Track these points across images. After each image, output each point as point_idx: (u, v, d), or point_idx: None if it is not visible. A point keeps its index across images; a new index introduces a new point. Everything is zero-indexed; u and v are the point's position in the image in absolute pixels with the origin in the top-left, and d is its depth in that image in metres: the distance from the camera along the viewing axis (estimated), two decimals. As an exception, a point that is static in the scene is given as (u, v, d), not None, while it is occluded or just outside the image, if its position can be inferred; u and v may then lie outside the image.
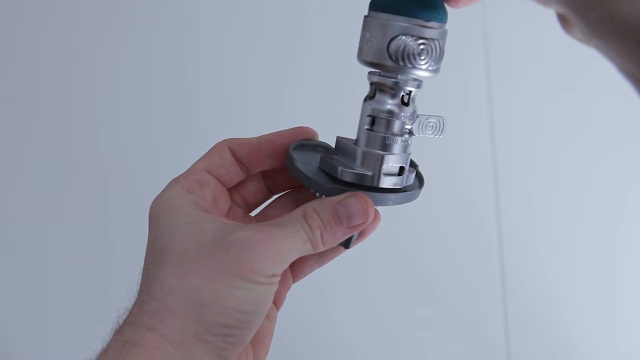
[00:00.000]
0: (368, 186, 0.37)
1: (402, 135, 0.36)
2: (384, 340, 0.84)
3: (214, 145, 0.40)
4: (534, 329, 0.85)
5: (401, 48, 0.34)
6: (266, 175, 0.42)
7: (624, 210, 0.90)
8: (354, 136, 0.38)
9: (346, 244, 0.39)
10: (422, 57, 0.34)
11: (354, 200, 0.35)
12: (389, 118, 0.36)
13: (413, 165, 0.40)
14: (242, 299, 0.32)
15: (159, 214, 0.36)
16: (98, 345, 0.33)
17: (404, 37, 0.34)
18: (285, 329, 0.81)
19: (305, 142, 0.40)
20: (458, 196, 0.90)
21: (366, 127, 0.37)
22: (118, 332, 0.33)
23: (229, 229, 0.34)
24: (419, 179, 0.40)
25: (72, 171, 0.86)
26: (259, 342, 0.38)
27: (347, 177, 0.36)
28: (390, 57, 0.34)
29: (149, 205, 0.37)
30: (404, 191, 0.38)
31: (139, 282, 0.35)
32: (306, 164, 0.38)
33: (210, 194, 0.38)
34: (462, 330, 0.85)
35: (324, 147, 0.41)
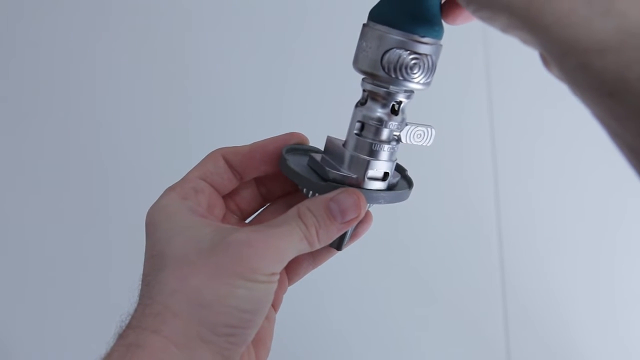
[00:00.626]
0: (364, 183, 0.38)
1: (389, 142, 0.38)
2: (384, 340, 0.84)
3: (208, 155, 0.40)
4: (534, 329, 0.85)
5: (394, 61, 0.35)
6: (260, 183, 0.43)
7: (624, 211, 0.90)
8: (344, 136, 0.39)
9: (338, 246, 0.40)
10: (414, 71, 0.35)
11: (346, 196, 0.36)
12: (378, 125, 0.37)
13: (402, 169, 0.42)
14: (243, 298, 0.33)
15: (156, 221, 0.36)
16: (98, 346, 0.33)
17: (398, 51, 0.35)
18: (285, 330, 0.81)
19: (297, 146, 0.41)
20: (458, 197, 0.90)
21: (355, 132, 0.38)
22: (121, 336, 0.33)
23: (227, 231, 0.35)
24: (408, 181, 0.42)
25: (72, 172, 0.86)
26: (260, 342, 0.39)
27: (333, 178, 0.38)
28: (383, 68, 0.35)
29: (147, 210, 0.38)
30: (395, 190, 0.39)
31: (139, 288, 0.35)
32: (298, 166, 0.39)
33: (205, 200, 0.39)
34: (462, 330, 0.85)
35: (315, 152, 0.42)
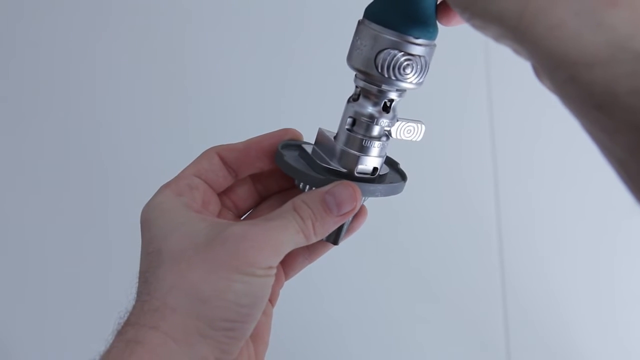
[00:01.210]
0: (357, 177, 0.38)
1: (379, 138, 0.38)
2: (384, 340, 0.84)
3: (203, 153, 0.41)
4: (534, 329, 0.85)
5: (387, 61, 0.35)
6: (256, 179, 0.43)
7: (624, 211, 0.90)
8: (336, 129, 0.40)
9: (335, 240, 0.40)
10: (407, 72, 0.36)
11: (342, 188, 0.36)
12: (369, 122, 0.38)
13: (394, 163, 0.43)
14: (240, 293, 0.33)
15: (151, 219, 0.36)
16: (98, 345, 0.33)
17: (392, 51, 0.35)
18: (285, 330, 0.81)
19: (293, 142, 0.41)
20: (458, 196, 0.90)
21: (347, 127, 0.39)
22: (120, 333, 0.33)
23: (222, 226, 0.35)
24: (401, 174, 0.42)
25: (70, 171, 0.86)
26: (258, 337, 0.39)
27: (325, 171, 0.38)
28: (376, 67, 0.36)
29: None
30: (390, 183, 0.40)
31: (137, 285, 0.35)
32: (294, 160, 0.39)
33: (200, 197, 0.39)
34: (462, 330, 0.85)
35: (308, 145, 0.42)
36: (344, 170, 0.38)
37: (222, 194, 0.41)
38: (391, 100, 0.38)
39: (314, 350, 0.83)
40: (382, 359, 0.84)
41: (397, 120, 0.38)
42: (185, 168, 0.40)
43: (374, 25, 0.35)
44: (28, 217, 0.84)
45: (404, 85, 0.36)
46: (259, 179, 0.43)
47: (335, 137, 0.39)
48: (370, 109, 0.38)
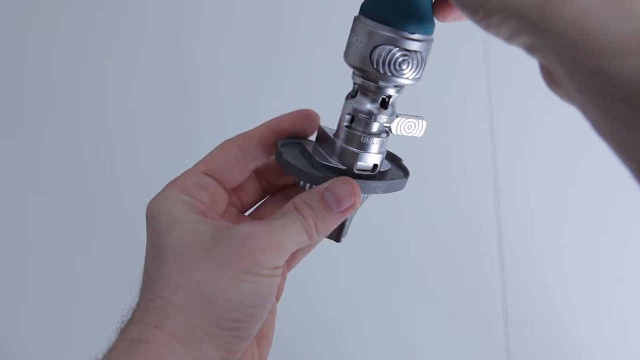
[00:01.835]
0: (357, 174, 0.38)
1: (379, 135, 0.38)
2: (384, 339, 0.84)
3: (218, 146, 0.40)
4: (534, 329, 0.85)
5: (383, 57, 0.35)
6: (260, 175, 0.42)
7: (624, 210, 0.90)
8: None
9: (337, 237, 0.40)
10: (404, 67, 0.35)
11: (340, 184, 0.36)
12: (368, 119, 0.38)
13: (396, 159, 0.43)
14: (247, 292, 0.33)
15: (155, 214, 0.36)
16: (101, 344, 0.33)
17: (387, 47, 0.35)
18: (286, 329, 0.81)
19: (292, 140, 0.41)
20: (458, 196, 0.90)
21: (345, 124, 0.38)
22: (124, 331, 0.33)
23: (227, 227, 0.35)
24: (404, 170, 0.42)
25: (73, 170, 0.86)
26: (263, 336, 0.39)
27: (324, 169, 0.38)
28: (372, 64, 0.35)
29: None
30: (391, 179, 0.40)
31: (141, 281, 0.35)
32: (294, 157, 0.39)
33: (207, 197, 0.38)
34: (462, 330, 0.85)
35: (308, 142, 0.42)
36: (344, 167, 0.38)
37: (230, 189, 0.41)
38: (389, 97, 0.37)
39: (314, 350, 0.83)
40: (382, 359, 0.84)
41: (397, 117, 0.38)
42: (198, 163, 0.39)
43: (369, 22, 0.35)
44: (29, 215, 0.84)
45: (400, 81, 0.36)
46: (263, 174, 0.42)
47: (334, 134, 0.39)
48: (368, 106, 0.37)
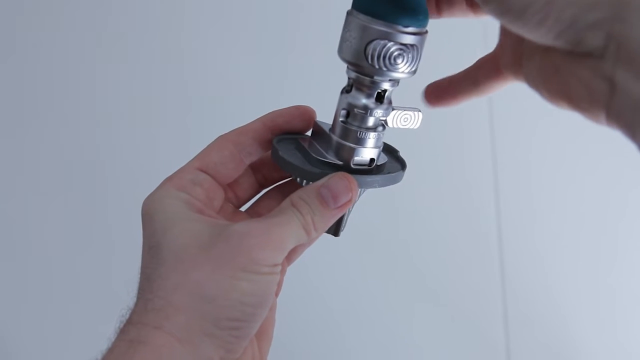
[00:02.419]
0: (353, 169, 0.38)
1: (375, 129, 0.38)
2: (384, 339, 0.84)
3: (213, 142, 0.39)
4: (534, 329, 0.85)
5: (377, 52, 0.34)
6: (256, 170, 0.42)
7: (624, 210, 0.90)
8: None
9: (335, 232, 0.40)
10: (398, 62, 0.35)
11: (336, 180, 0.36)
12: (363, 113, 0.37)
13: (393, 150, 0.42)
14: (246, 291, 0.32)
15: (151, 212, 0.36)
16: (101, 344, 0.33)
17: (381, 42, 0.34)
18: (286, 330, 0.81)
19: (288, 136, 0.40)
20: (458, 196, 0.90)
21: (341, 119, 0.38)
22: (123, 332, 0.33)
23: (225, 225, 0.34)
24: (400, 162, 0.42)
25: (73, 170, 0.86)
26: (263, 332, 0.38)
27: (321, 165, 0.38)
28: (366, 59, 0.35)
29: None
30: (388, 173, 0.39)
31: (139, 280, 0.35)
32: (290, 154, 0.39)
33: (203, 193, 0.38)
34: (462, 330, 0.85)
35: (304, 137, 0.42)
36: (340, 163, 0.38)
37: (226, 185, 0.41)
38: (384, 91, 0.37)
39: (313, 349, 0.83)
40: (382, 359, 0.83)
41: (393, 110, 0.38)
42: (193, 160, 0.39)
43: (361, 16, 0.34)
44: (29, 215, 0.84)
45: (395, 75, 0.36)
46: (259, 168, 0.42)
47: (330, 129, 0.39)
48: (363, 100, 0.37)
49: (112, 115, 0.89)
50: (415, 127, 0.38)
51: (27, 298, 0.81)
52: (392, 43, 0.34)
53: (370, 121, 0.37)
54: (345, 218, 0.39)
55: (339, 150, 0.38)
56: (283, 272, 0.41)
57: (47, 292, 0.81)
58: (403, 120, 0.38)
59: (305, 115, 0.40)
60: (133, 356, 0.31)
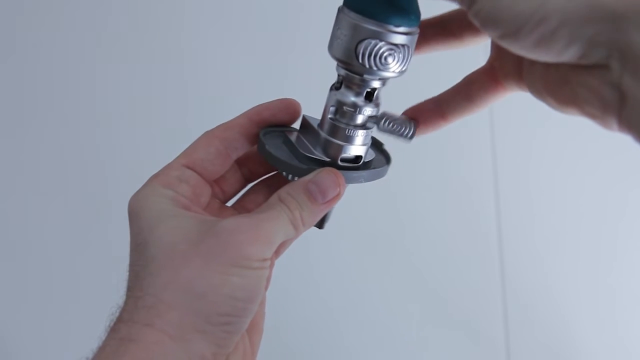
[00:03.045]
0: (341, 166, 0.38)
1: (363, 127, 0.38)
2: (384, 339, 0.84)
3: (199, 138, 0.39)
4: (534, 329, 0.85)
5: (368, 51, 0.34)
6: (241, 164, 0.42)
7: (624, 210, 0.90)
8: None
9: (320, 225, 0.40)
10: (389, 61, 0.35)
11: (324, 175, 0.36)
12: (352, 111, 0.37)
13: (378, 143, 0.42)
14: (236, 286, 0.33)
15: (137, 209, 0.36)
16: (92, 342, 0.33)
17: (372, 41, 0.34)
18: (285, 330, 0.81)
19: (274, 128, 0.40)
20: (458, 196, 0.90)
21: (330, 116, 0.38)
22: (113, 330, 0.33)
23: (213, 221, 0.35)
24: (385, 156, 0.42)
25: (73, 170, 0.86)
26: (254, 326, 0.39)
27: (308, 161, 0.38)
28: (357, 57, 0.35)
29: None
30: (374, 168, 0.39)
31: (127, 278, 0.35)
32: (276, 147, 0.39)
33: (189, 190, 0.38)
34: (462, 330, 0.85)
35: (291, 131, 0.41)
36: (328, 159, 0.38)
37: (212, 181, 0.41)
38: (374, 89, 0.37)
39: (312, 349, 0.83)
40: (381, 359, 0.83)
41: (384, 116, 0.38)
42: (179, 156, 0.39)
43: (353, 14, 0.34)
44: (29, 215, 0.84)
45: (386, 74, 0.36)
46: (244, 162, 0.42)
47: (319, 125, 0.39)
48: (352, 98, 0.37)
49: (112, 115, 0.89)
50: (408, 137, 0.39)
51: (27, 298, 0.82)
52: (383, 43, 0.34)
53: (359, 119, 0.38)
54: (330, 211, 0.39)
55: (326, 147, 0.38)
56: (271, 266, 0.41)
57: (47, 291, 0.81)
58: (392, 126, 0.38)
59: (290, 107, 0.40)
60: (124, 354, 0.31)
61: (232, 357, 0.36)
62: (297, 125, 0.42)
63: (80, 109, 0.89)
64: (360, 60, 0.35)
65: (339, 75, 0.37)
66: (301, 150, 0.38)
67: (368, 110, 0.37)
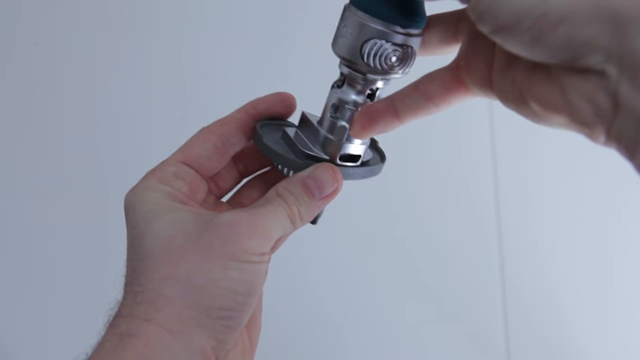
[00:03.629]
0: (339, 164, 0.38)
1: None
2: (383, 340, 0.83)
3: (196, 134, 0.39)
4: (534, 329, 0.85)
5: (374, 51, 0.34)
6: (236, 159, 0.42)
7: (624, 210, 0.90)
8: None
9: (314, 220, 0.40)
10: (394, 62, 0.35)
11: (322, 171, 0.36)
12: (354, 110, 0.37)
13: (373, 141, 0.42)
14: (236, 280, 0.33)
15: (134, 205, 0.36)
16: (91, 338, 0.33)
17: (378, 42, 0.34)
18: (284, 330, 0.81)
19: (272, 122, 0.40)
20: (458, 196, 0.90)
21: (330, 114, 0.38)
22: (112, 325, 0.33)
23: (210, 215, 0.34)
24: (380, 154, 0.42)
25: (73, 169, 0.86)
26: (252, 322, 0.39)
27: (307, 157, 0.38)
28: (362, 57, 0.35)
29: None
30: (369, 165, 0.40)
31: (125, 273, 0.35)
32: (273, 141, 0.39)
33: (185, 186, 0.38)
34: (462, 330, 0.84)
35: (289, 126, 0.41)
36: (326, 157, 0.38)
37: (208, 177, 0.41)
38: (376, 89, 0.37)
39: (312, 350, 0.83)
40: (381, 358, 0.83)
41: None
42: (176, 152, 0.39)
43: (360, 13, 0.34)
44: (29, 215, 0.84)
45: (390, 75, 0.36)
46: (240, 157, 0.42)
47: (319, 122, 0.39)
48: (354, 97, 0.37)
49: (109, 112, 0.89)
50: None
51: (25, 294, 0.81)
52: (389, 43, 0.34)
53: None
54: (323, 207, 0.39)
55: (325, 145, 0.38)
56: (268, 261, 0.41)
57: (45, 288, 0.81)
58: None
59: (286, 100, 0.40)
60: (124, 349, 0.31)
61: (231, 353, 0.36)
62: (293, 120, 0.42)
63: (77, 105, 0.89)
64: (365, 60, 0.34)
65: (341, 74, 0.37)
66: (300, 147, 0.38)
67: None
